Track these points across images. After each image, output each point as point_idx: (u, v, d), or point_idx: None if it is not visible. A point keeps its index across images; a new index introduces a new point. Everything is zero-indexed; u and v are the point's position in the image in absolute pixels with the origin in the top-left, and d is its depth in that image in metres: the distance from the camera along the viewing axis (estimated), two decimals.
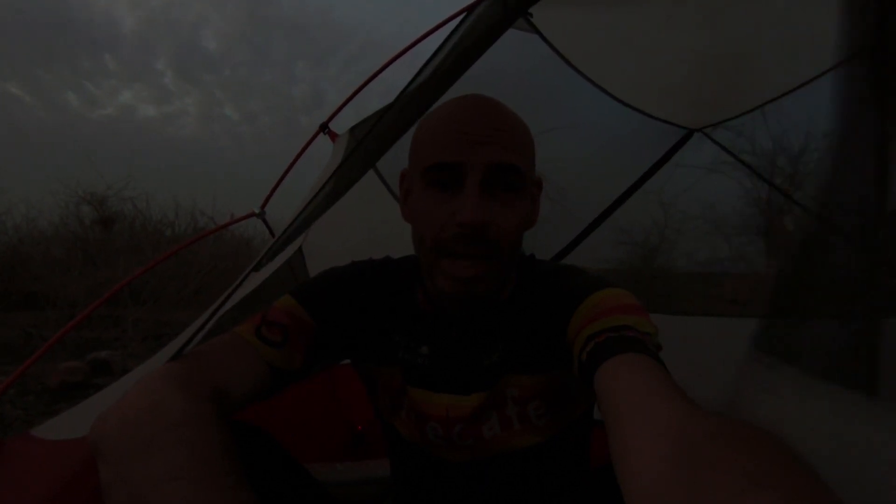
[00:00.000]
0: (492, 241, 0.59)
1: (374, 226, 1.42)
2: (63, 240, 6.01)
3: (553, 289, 0.67)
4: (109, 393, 0.83)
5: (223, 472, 0.45)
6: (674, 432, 0.36)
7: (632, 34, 1.27)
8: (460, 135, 0.59)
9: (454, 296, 0.62)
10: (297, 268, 1.47)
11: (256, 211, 1.18)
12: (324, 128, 1.31)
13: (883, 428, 0.35)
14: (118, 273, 4.76)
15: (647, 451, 0.37)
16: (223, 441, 0.48)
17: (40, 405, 2.50)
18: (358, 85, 1.31)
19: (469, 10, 0.67)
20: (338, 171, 0.63)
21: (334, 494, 0.75)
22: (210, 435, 0.47)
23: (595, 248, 1.76)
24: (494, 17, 0.59)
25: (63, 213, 6.28)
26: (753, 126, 1.61)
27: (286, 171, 1.25)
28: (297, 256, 1.45)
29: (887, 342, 0.39)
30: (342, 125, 1.36)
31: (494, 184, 0.59)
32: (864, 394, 0.38)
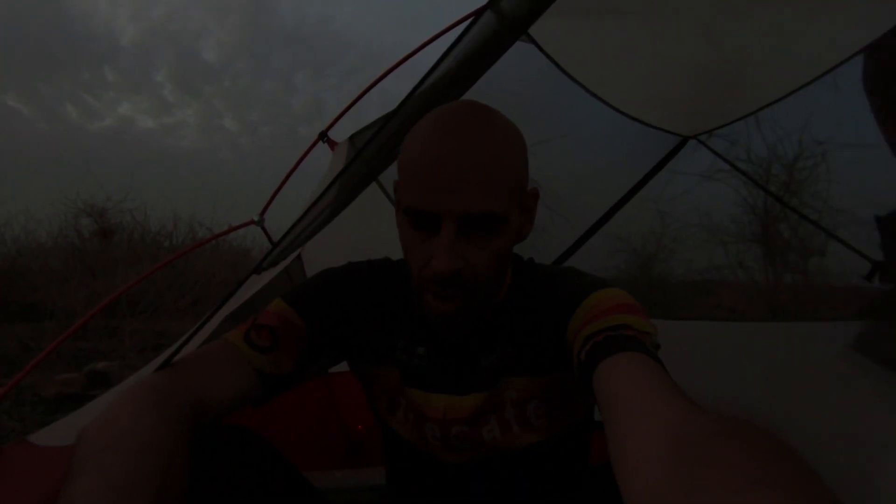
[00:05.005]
0: (467, 283, 0.59)
1: (372, 232, 1.43)
2: (62, 251, 5.99)
3: (552, 291, 0.67)
4: (106, 400, 0.83)
5: None
6: (672, 431, 0.36)
7: (626, 44, 1.29)
8: (434, 180, 0.56)
9: (437, 322, 0.63)
10: (296, 275, 1.47)
11: (256, 218, 1.19)
12: (323, 136, 1.32)
13: None
14: (117, 284, 4.74)
15: (645, 449, 0.37)
16: (165, 470, 0.47)
17: (37, 416, 2.48)
18: (357, 95, 1.32)
19: (466, 18, 0.68)
20: (338, 179, 0.64)
21: (332, 502, 0.75)
22: (149, 463, 0.46)
23: (592, 256, 1.77)
24: (492, 30, 0.60)
25: (62, 224, 6.28)
26: (749, 134, 1.63)
27: (285, 179, 1.26)
28: (295, 264, 1.45)
29: None
30: (341, 134, 1.37)
31: (470, 227, 0.57)
32: None
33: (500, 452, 0.69)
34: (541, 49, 1.34)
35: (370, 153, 0.64)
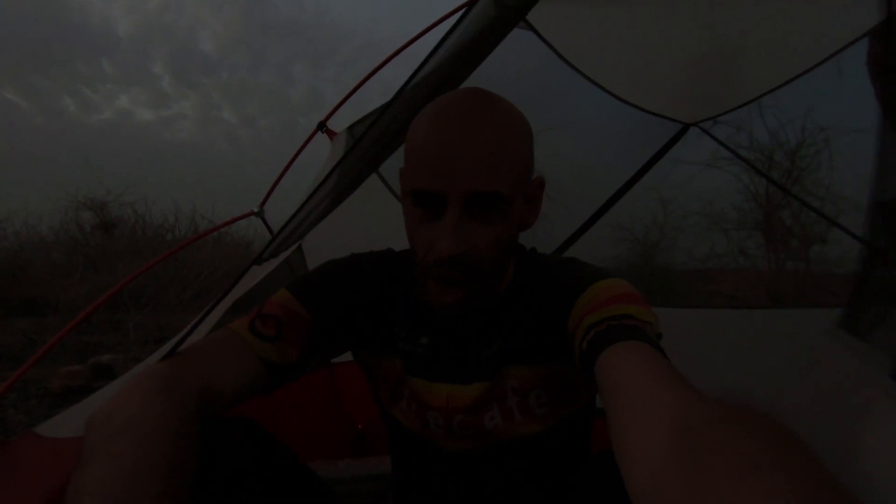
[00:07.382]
0: (471, 264, 0.59)
1: (373, 223, 1.43)
2: (63, 245, 6.01)
3: (553, 281, 0.67)
4: (112, 391, 0.84)
5: (146, 495, 0.44)
6: (674, 417, 0.36)
7: (625, 30, 1.28)
8: (440, 160, 0.57)
9: (440, 313, 0.63)
10: (297, 266, 1.47)
11: (255, 210, 1.19)
12: (321, 126, 1.32)
13: None
14: (119, 278, 4.75)
15: (647, 436, 0.37)
16: (175, 456, 0.47)
17: (42, 409, 2.50)
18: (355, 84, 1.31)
19: (464, 7, 0.67)
20: (336, 169, 0.64)
21: (336, 491, 0.75)
22: (159, 449, 0.47)
23: (595, 244, 1.77)
24: (490, 17, 0.59)
25: (63, 218, 6.29)
26: (751, 121, 1.62)
27: (284, 170, 1.26)
28: (296, 255, 1.46)
29: None
30: (340, 124, 1.36)
31: (475, 208, 0.58)
32: None
33: (501, 440, 0.70)
34: (540, 37, 1.33)
35: (368, 142, 0.63)
